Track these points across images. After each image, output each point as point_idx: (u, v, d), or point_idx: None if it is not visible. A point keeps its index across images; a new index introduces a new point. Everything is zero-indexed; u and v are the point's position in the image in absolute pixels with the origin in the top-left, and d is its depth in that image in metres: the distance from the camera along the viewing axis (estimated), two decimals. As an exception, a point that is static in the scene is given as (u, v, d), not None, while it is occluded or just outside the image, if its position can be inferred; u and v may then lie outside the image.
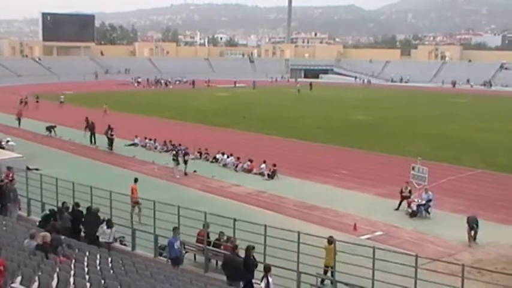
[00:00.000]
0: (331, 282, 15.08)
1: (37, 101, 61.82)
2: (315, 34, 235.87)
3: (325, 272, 15.31)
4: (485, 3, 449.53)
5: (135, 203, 19.96)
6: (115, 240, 17.76)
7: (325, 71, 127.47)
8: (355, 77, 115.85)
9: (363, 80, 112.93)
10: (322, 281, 15.29)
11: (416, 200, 23.40)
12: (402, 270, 13.65)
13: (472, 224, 19.50)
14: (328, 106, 65.73)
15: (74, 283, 11.00)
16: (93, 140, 38.97)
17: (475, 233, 19.55)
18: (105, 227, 17.15)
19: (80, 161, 33.90)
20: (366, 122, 51.90)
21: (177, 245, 15.68)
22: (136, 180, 22.19)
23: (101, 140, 38.13)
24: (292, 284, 14.36)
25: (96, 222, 17.39)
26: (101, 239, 17.03)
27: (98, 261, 13.50)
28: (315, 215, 22.92)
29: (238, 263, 13.94)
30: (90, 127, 39.87)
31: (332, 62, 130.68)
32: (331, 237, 15.47)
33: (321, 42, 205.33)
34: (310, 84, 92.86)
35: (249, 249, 14.11)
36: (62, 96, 65.82)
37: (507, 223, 21.89)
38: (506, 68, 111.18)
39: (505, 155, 36.07)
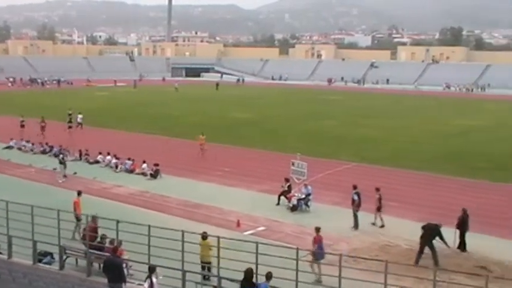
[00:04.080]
0: (204, 277, 15.24)
1: (70, 126, 44.41)
2: (196, 33, 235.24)
3: (203, 268, 15.44)
4: (355, 5, 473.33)
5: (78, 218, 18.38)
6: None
7: (207, 70, 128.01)
8: (221, 75, 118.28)
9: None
10: (204, 277, 15.44)
11: (296, 194, 24.27)
12: (284, 263, 14.03)
13: None
14: (210, 104, 66.15)
15: None
16: None
17: None
18: None
19: None
20: (247, 120, 52.82)
21: None
22: (79, 193, 20.49)
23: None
24: (178, 283, 14.39)
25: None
26: None
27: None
28: (200, 213, 23.13)
29: (119, 264, 13.71)
30: None
31: (213, 61, 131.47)
32: (204, 232, 15.77)
33: (201, 41, 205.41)
34: (217, 84, 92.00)
35: (249, 273, 12.80)
36: (80, 116, 46.56)
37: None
38: (375, 67, 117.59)
39: (376, 149, 38.41)
